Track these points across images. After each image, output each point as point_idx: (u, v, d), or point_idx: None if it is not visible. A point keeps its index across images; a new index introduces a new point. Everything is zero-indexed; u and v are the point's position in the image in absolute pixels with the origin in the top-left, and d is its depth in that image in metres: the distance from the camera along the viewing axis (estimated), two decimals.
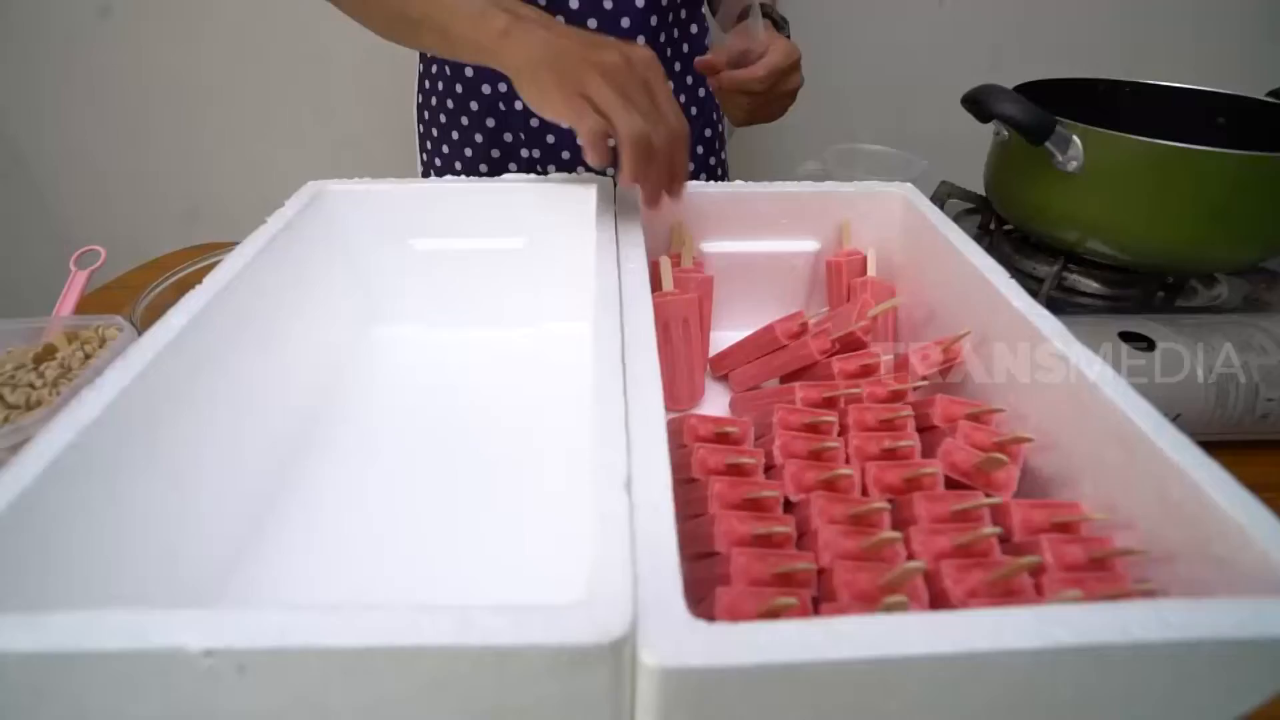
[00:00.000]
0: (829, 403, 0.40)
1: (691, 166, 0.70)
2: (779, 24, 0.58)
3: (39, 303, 0.89)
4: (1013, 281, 0.39)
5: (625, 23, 0.60)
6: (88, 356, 0.39)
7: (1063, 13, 1.05)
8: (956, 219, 0.69)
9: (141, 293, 0.61)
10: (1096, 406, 0.31)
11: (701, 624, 0.20)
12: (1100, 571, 0.28)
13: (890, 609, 0.23)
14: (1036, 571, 0.28)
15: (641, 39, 0.61)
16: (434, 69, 0.67)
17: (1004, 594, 0.27)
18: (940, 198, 0.69)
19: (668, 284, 0.48)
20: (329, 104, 1.18)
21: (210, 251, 0.67)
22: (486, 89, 0.63)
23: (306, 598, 0.34)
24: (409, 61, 0.73)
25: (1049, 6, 1.05)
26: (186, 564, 0.32)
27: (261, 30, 1.12)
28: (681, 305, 0.47)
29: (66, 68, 1.14)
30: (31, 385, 0.37)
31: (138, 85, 1.15)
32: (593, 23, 0.60)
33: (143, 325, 0.59)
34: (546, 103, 0.42)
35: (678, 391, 0.48)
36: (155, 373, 0.31)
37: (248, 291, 0.40)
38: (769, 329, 0.46)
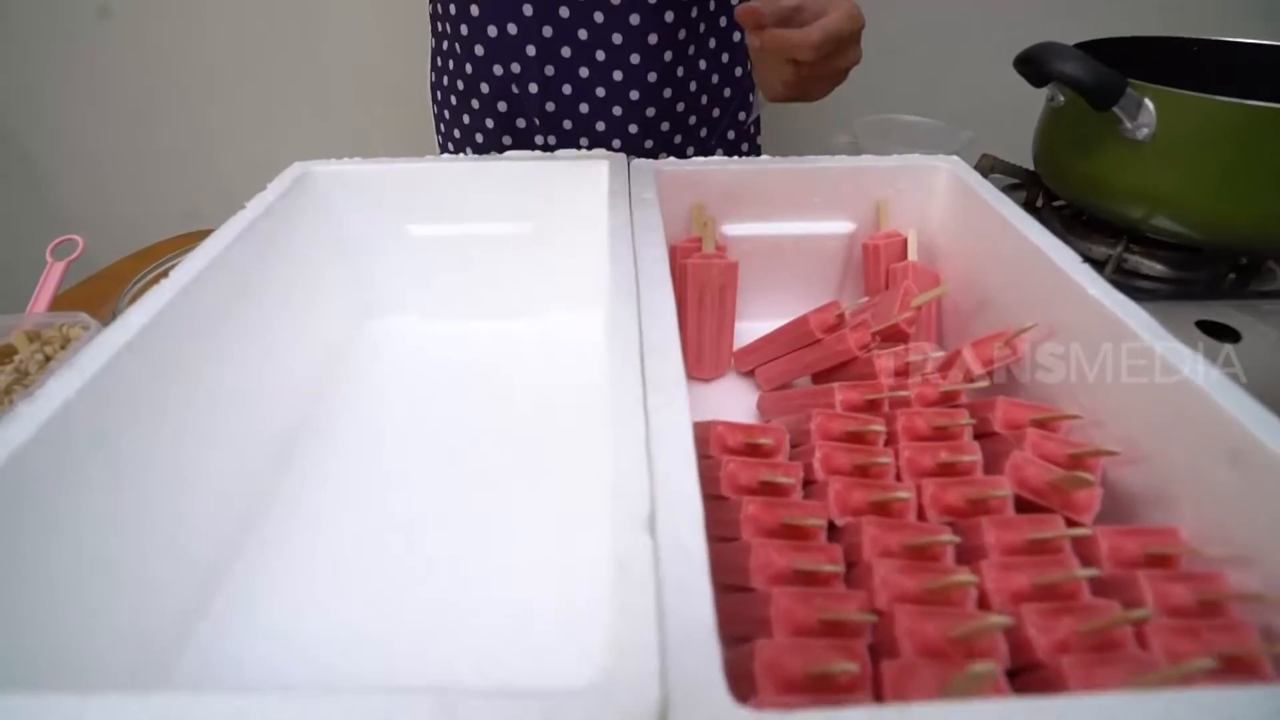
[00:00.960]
0: (873, 405, 0.35)
1: (720, 153, 0.65)
2: None
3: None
4: (1086, 265, 0.34)
5: None
6: (47, 359, 0.35)
7: None
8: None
9: (126, 284, 0.58)
10: (1198, 412, 0.26)
11: (748, 715, 0.16)
12: (1214, 619, 0.23)
13: (976, 680, 0.19)
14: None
15: (670, 14, 0.55)
16: (444, 45, 0.62)
17: (1099, 647, 0.23)
18: (982, 172, 0.63)
19: (709, 246, 0.43)
20: (336, 97, 1.15)
21: (197, 241, 0.64)
22: (498, 69, 0.58)
23: (277, 644, 0.30)
24: (420, 49, 0.68)
25: None
26: (143, 607, 0.28)
27: (263, 27, 1.09)
28: (721, 271, 0.43)
29: (66, 68, 1.13)
30: None
31: (137, 85, 1.14)
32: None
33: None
34: None
35: (704, 361, 0.45)
36: (108, 380, 0.27)
37: (222, 284, 0.36)
38: (802, 321, 0.41)
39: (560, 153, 0.46)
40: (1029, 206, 0.62)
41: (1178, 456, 0.28)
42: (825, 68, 0.41)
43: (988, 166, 0.63)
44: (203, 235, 0.71)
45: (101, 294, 0.60)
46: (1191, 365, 0.27)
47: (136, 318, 0.30)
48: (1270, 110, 0.41)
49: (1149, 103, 0.44)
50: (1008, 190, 0.64)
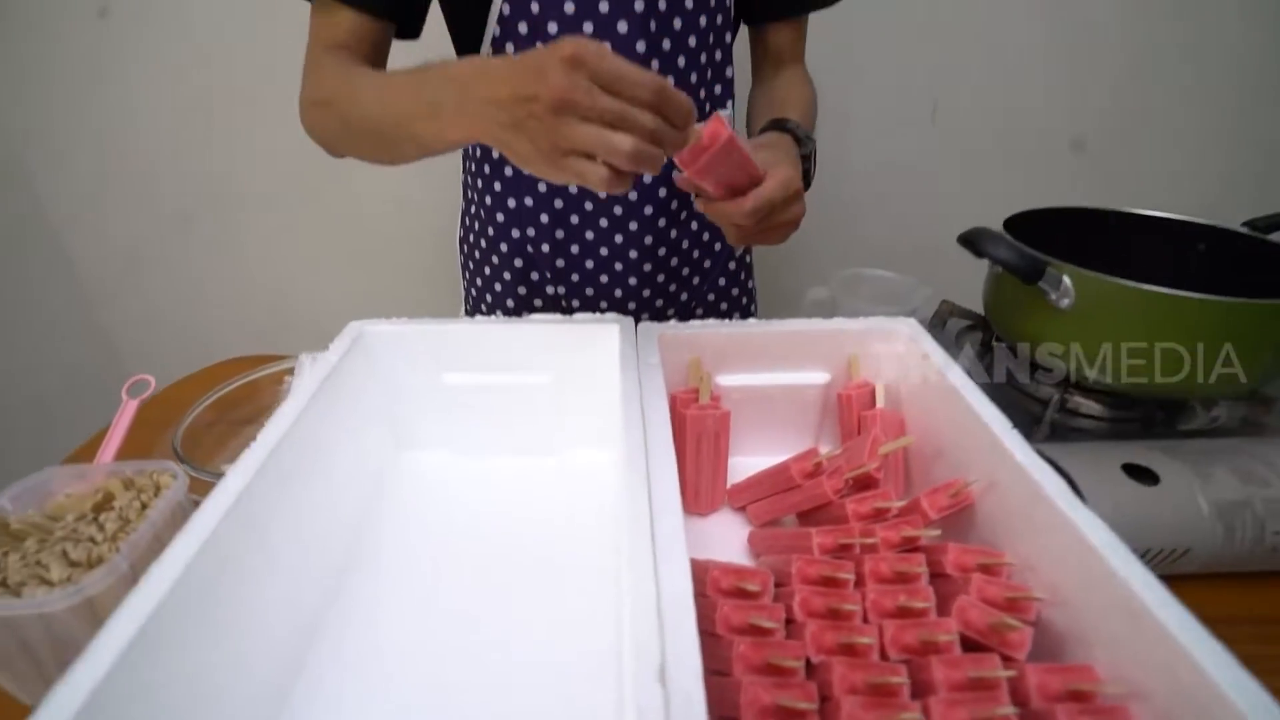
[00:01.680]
0: (845, 549, 0.41)
1: (712, 297, 0.75)
2: (801, 140, 0.56)
3: (35, 304, 0.90)
4: (1015, 432, 0.41)
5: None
6: (144, 506, 0.42)
7: (1044, 136, 1.13)
8: (958, 336, 0.72)
9: (184, 412, 0.65)
10: (1102, 574, 0.32)
11: None
12: None
13: None
14: None
15: (663, 190, 0.65)
16: (472, 209, 0.73)
17: None
18: (942, 316, 0.72)
19: (705, 397, 0.51)
20: (377, 243, 1.27)
21: (252, 368, 0.71)
22: (516, 233, 0.68)
23: None
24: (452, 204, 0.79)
25: (1034, 121, 1.12)
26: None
27: (263, 26, 1.11)
28: (715, 420, 0.50)
29: (66, 68, 1.15)
30: (93, 539, 0.39)
31: (136, 85, 1.16)
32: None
33: (184, 445, 0.62)
34: (538, 172, 0.40)
35: (701, 499, 0.52)
36: (215, 541, 0.34)
37: (298, 442, 0.42)
38: (785, 468, 0.48)
39: (578, 316, 0.55)
40: (985, 346, 0.70)
41: (1091, 607, 0.34)
42: (768, 225, 0.48)
43: (947, 311, 0.72)
44: (245, 362, 0.78)
45: (162, 416, 0.66)
46: (1096, 533, 0.34)
47: (234, 482, 0.37)
48: (1163, 295, 0.50)
49: (1066, 279, 0.53)
50: (965, 331, 0.73)
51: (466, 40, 0.62)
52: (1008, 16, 1.04)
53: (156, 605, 0.29)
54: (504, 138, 0.40)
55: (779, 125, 0.56)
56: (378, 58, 0.59)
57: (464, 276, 0.78)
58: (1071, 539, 0.34)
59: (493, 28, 0.59)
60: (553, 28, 0.57)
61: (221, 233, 1.28)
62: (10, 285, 1.21)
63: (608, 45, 0.37)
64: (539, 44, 0.57)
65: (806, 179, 0.55)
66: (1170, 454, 0.52)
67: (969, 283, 0.70)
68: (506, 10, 0.58)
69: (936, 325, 0.73)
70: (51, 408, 1.28)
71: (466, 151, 0.71)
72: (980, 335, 0.72)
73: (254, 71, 1.13)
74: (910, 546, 0.41)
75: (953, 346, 0.71)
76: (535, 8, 0.57)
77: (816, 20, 0.70)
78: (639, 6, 0.56)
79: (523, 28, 0.58)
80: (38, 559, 0.38)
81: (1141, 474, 0.50)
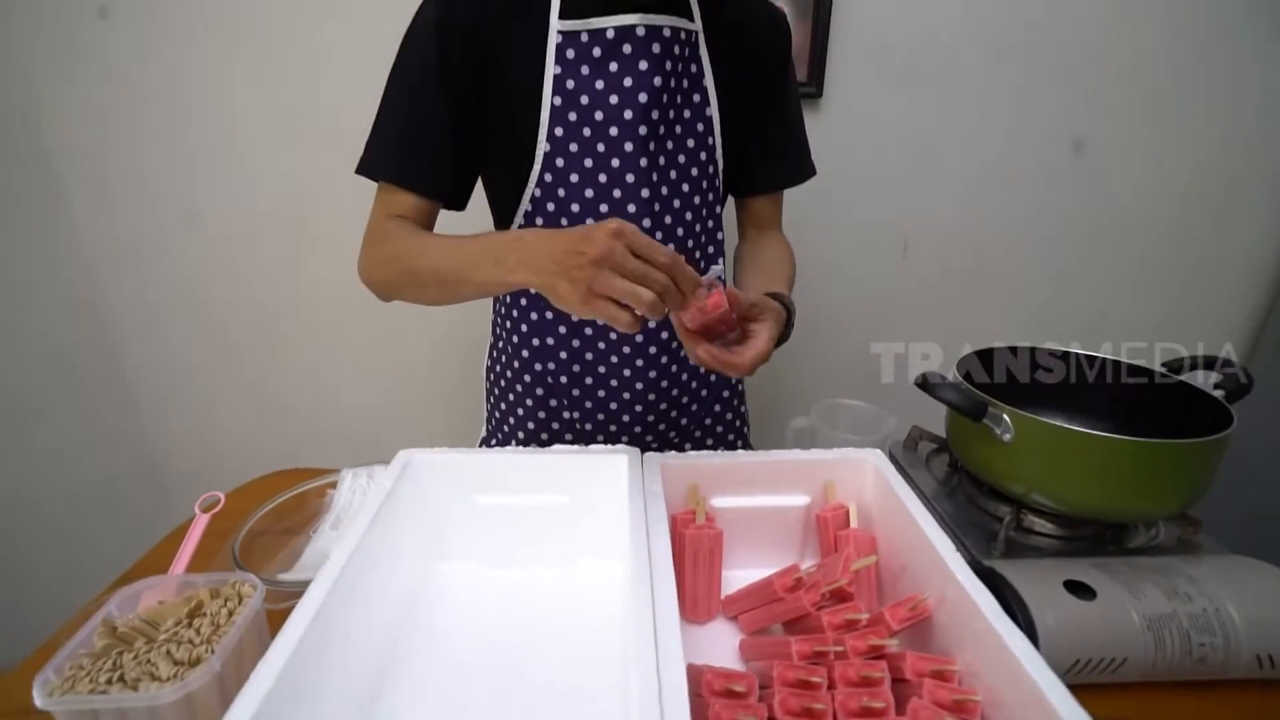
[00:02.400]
0: (820, 655, 0.49)
1: (709, 421, 0.85)
2: (789, 308, 0.68)
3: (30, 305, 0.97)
4: (958, 556, 0.50)
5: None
6: (231, 613, 0.50)
7: (1008, 282, 1.28)
8: (927, 459, 0.81)
9: (242, 521, 0.73)
10: (1024, 681, 0.40)
11: None
12: None
13: None
14: None
15: (665, 333, 0.77)
16: (499, 344, 0.84)
17: None
18: (914, 439, 0.82)
19: (701, 518, 0.59)
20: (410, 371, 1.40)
21: (299, 482, 0.80)
22: (538, 366, 0.79)
23: None
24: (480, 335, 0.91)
25: (999, 266, 1.27)
26: None
27: (264, 26, 1.17)
28: (710, 539, 0.58)
29: (66, 68, 1.19)
30: (191, 642, 0.47)
31: (137, 86, 1.19)
32: None
33: (242, 551, 0.69)
34: (572, 309, 0.52)
35: (699, 608, 0.59)
36: (304, 643, 0.42)
37: (359, 557, 0.51)
38: (769, 582, 0.56)
39: (593, 447, 0.64)
40: (952, 467, 0.79)
41: (1017, 706, 0.41)
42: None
43: (916, 435, 0.82)
44: (294, 475, 0.86)
45: (214, 524, 0.74)
46: (1016, 642, 0.42)
47: (317, 592, 0.45)
48: (1086, 435, 0.60)
49: (1006, 418, 0.63)
50: (934, 453, 0.83)
51: (504, 213, 0.76)
52: (970, 157, 1.21)
53: (259, 703, 0.37)
54: (552, 283, 0.53)
55: (777, 298, 0.68)
56: (429, 226, 0.73)
57: (488, 400, 0.89)
58: (1001, 650, 0.42)
59: (525, 205, 0.73)
60: (574, 207, 0.71)
61: (263, 347, 1.40)
62: (12, 282, 1.22)
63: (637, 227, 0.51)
64: (563, 220, 0.71)
65: (785, 337, 0.67)
66: (1108, 572, 0.59)
67: (938, 406, 0.80)
68: (538, 193, 0.71)
69: (909, 447, 0.83)
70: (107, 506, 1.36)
71: (498, 298, 0.84)
72: (947, 456, 0.81)
73: (254, 71, 1.19)
74: (876, 654, 0.49)
75: (923, 467, 0.80)
76: (561, 192, 0.71)
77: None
78: (644, 193, 0.70)
79: (550, 206, 0.72)
80: (148, 658, 0.45)
81: (1081, 589, 0.57)
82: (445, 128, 0.67)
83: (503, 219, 0.77)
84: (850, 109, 1.17)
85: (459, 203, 0.74)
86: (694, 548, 0.58)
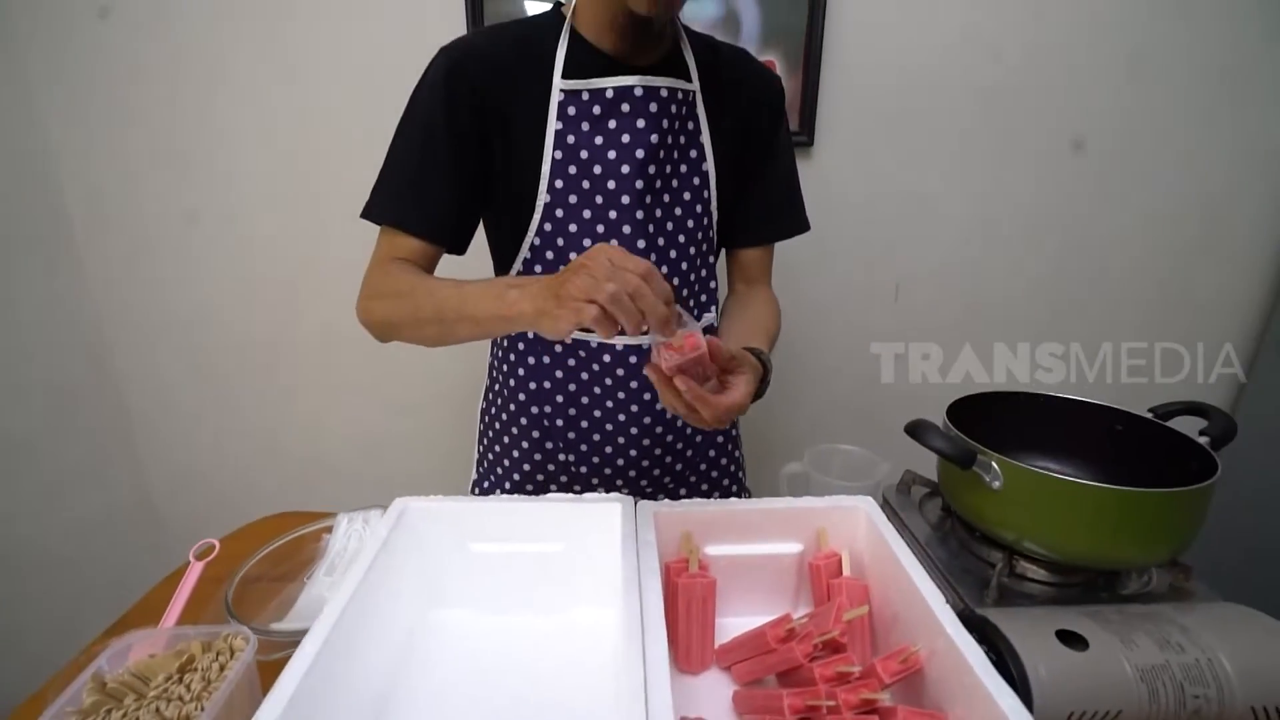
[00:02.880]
0: (813, 709, 0.49)
1: (703, 467, 0.86)
2: (766, 365, 0.71)
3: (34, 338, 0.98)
4: (948, 608, 0.50)
5: None
6: (222, 667, 0.50)
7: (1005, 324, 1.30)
8: (921, 503, 0.82)
9: (236, 567, 0.73)
10: None
11: None
12: None
13: None
14: None
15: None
16: (496, 387, 0.85)
17: None
18: (907, 483, 0.82)
19: (694, 566, 0.59)
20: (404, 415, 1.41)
21: (294, 527, 0.80)
22: (534, 409, 0.80)
23: None
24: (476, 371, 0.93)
25: (992, 306, 1.29)
26: None
27: (265, 26, 1.17)
28: (702, 588, 0.58)
29: (66, 68, 1.19)
30: (181, 699, 0.47)
31: (137, 86, 1.20)
32: None
33: (235, 598, 0.69)
34: (557, 325, 0.54)
35: (692, 658, 0.59)
36: (298, 694, 0.42)
37: (355, 605, 0.51)
38: (762, 633, 0.56)
39: (586, 496, 0.65)
40: (945, 512, 0.79)
41: None
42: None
43: (910, 480, 0.82)
44: (291, 518, 0.86)
45: (209, 569, 0.74)
46: (1003, 697, 0.42)
47: (310, 646, 0.45)
48: (1073, 484, 0.61)
49: (995, 465, 0.64)
50: (927, 498, 0.83)
51: (504, 260, 0.78)
52: (959, 199, 1.24)
53: None
54: (544, 304, 0.54)
55: (755, 354, 0.70)
56: (430, 270, 0.74)
57: (481, 442, 0.90)
58: (990, 706, 0.42)
59: (525, 252, 0.75)
60: (573, 256, 0.72)
61: (262, 385, 1.41)
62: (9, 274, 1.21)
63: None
64: (571, 255, 0.72)
65: (760, 394, 0.70)
66: (1100, 620, 0.59)
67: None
68: (538, 242, 0.73)
69: (903, 491, 0.83)
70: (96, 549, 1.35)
71: (496, 342, 0.85)
72: (940, 501, 0.82)
73: (256, 72, 1.20)
74: (868, 709, 0.49)
75: (916, 511, 0.80)
76: (560, 241, 0.73)
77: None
78: (641, 244, 0.72)
79: (549, 254, 0.74)
80: (137, 715, 0.45)
81: (1073, 639, 0.57)
82: (450, 175, 0.70)
83: (503, 265, 0.79)
84: (841, 155, 1.20)
85: (459, 247, 0.75)
86: (687, 596, 0.58)
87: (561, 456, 0.81)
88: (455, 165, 0.70)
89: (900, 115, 1.18)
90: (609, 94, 0.69)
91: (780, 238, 0.85)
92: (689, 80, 0.73)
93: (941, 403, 0.74)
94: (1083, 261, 1.27)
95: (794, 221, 0.85)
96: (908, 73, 1.16)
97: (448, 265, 0.74)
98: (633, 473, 0.81)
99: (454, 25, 1.12)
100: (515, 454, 0.83)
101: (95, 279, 1.33)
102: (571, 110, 0.70)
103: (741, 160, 0.78)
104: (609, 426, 0.79)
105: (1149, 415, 0.74)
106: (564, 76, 0.69)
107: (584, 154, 0.70)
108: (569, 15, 0.71)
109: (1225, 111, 1.19)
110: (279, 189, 1.26)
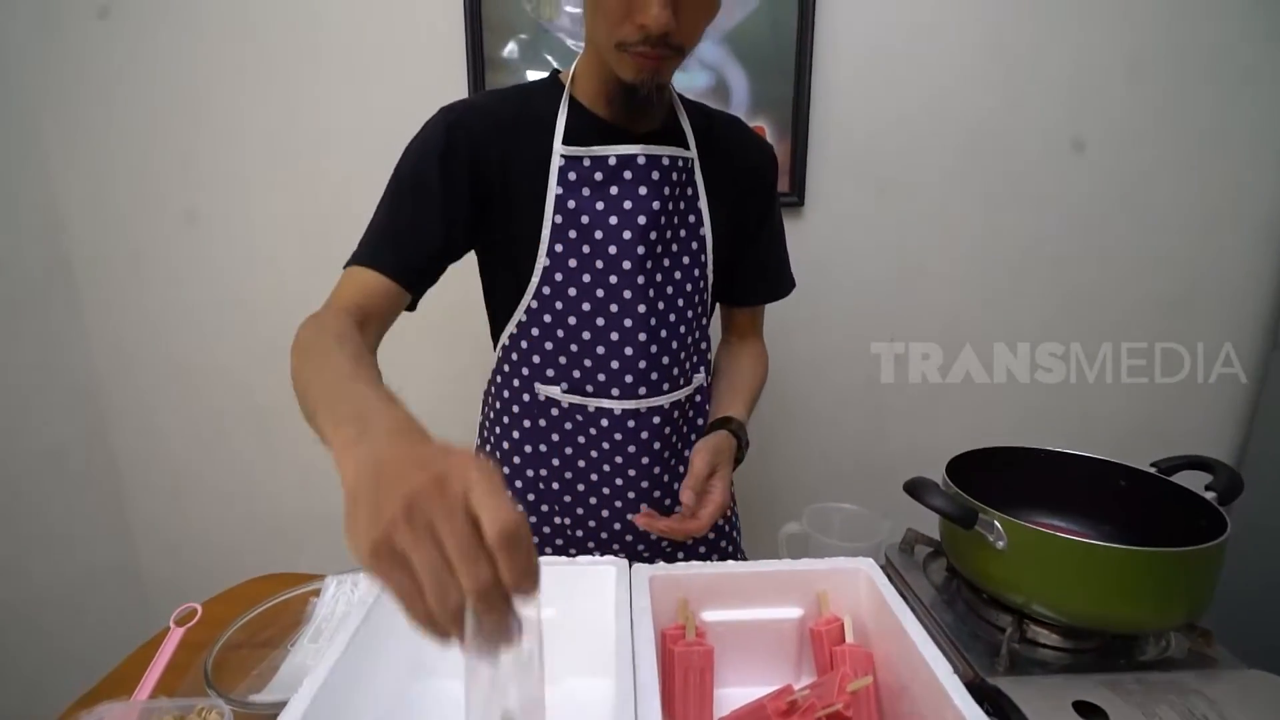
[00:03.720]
0: None
1: (702, 555, 0.85)
2: (741, 444, 0.74)
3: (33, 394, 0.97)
4: (955, 678, 0.48)
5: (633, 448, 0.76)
6: None
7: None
8: (924, 563, 0.79)
9: (218, 633, 0.70)
10: None
11: None
12: None
13: None
14: None
15: (658, 443, 0.77)
16: (488, 448, 0.85)
17: None
18: (909, 544, 0.80)
19: (691, 633, 0.57)
20: None
21: (280, 590, 0.78)
22: (530, 473, 0.80)
23: None
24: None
25: (984, 359, 1.30)
26: None
27: (264, 26, 1.17)
28: (700, 656, 0.56)
29: (65, 68, 1.18)
30: None
31: (136, 86, 1.19)
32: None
33: (215, 667, 0.66)
34: (354, 544, 0.34)
35: None
36: None
37: (337, 676, 0.49)
38: (761, 705, 0.53)
39: (580, 559, 0.63)
40: (950, 573, 0.77)
41: None
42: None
43: (912, 539, 0.80)
44: (273, 580, 0.84)
45: (191, 634, 0.71)
46: None
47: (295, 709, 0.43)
48: (1079, 544, 0.59)
49: (998, 524, 0.62)
50: (930, 557, 0.81)
51: (497, 318, 0.79)
52: (947, 253, 1.26)
53: None
54: (357, 494, 0.35)
55: (726, 422, 0.73)
56: (380, 332, 0.67)
57: None
58: None
59: (520, 315, 0.75)
60: (571, 320, 0.73)
61: (256, 443, 1.40)
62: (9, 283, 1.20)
63: (500, 475, 0.35)
64: (559, 331, 0.73)
65: (740, 458, 0.74)
66: (1119, 691, 0.57)
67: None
68: (535, 305, 0.74)
69: (905, 551, 0.81)
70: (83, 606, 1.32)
71: (487, 399, 0.84)
72: (944, 561, 0.79)
73: (255, 72, 1.19)
74: None
75: (920, 572, 0.78)
76: (558, 305, 0.73)
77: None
78: (641, 309, 0.73)
79: (546, 318, 0.74)
80: None
81: (1091, 711, 0.54)
82: (435, 226, 0.68)
83: (497, 324, 0.79)
84: (831, 215, 1.23)
85: (416, 301, 0.71)
86: (684, 666, 0.56)
87: (557, 519, 0.80)
88: (442, 217, 0.68)
89: (887, 172, 1.22)
90: (612, 161, 0.71)
91: (771, 298, 0.87)
92: (687, 148, 0.75)
93: (940, 454, 0.73)
94: (1083, 261, 1.28)
95: (781, 284, 0.88)
96: (893, 122, 1.19)
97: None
98: (630, 537, 0.79)
99: (456, 91, 1.16)
100: None
101: (94, 325, 1.33)
102: (572, 176, 0.71)
103: (736, 225, 0.80)
104: (605, 490, 0.78)
105: (1152, 470, 0.73)
106: (564, 142, 0.71)
107: (585, 219, 0.71)
108: (568, 83, 0.73)
109: (1225, 111, 1.21)
110: (281, 248, 1.28)
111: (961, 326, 1.29)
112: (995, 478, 0.71)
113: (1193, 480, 0.70)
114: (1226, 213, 1.25)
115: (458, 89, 1.14)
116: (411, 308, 0.72)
